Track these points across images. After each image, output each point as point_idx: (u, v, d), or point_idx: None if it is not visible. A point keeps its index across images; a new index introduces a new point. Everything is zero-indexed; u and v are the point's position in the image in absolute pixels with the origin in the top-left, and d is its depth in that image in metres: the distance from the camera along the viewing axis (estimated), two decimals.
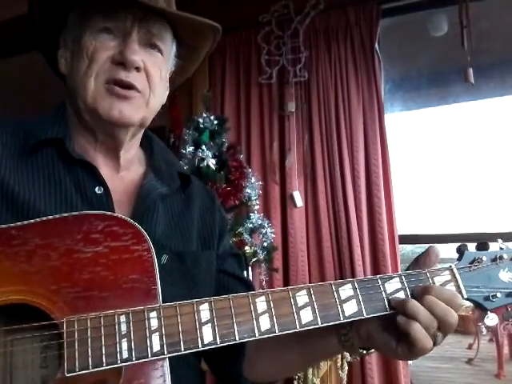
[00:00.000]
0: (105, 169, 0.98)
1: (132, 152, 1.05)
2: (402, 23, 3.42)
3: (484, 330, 6.05)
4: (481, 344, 6.22)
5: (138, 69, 0.93)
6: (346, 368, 2.72)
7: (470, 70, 2.90)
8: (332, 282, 0.83)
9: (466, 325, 6.74)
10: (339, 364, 2.71)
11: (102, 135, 0.98)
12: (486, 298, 0.88)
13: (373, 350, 0.92)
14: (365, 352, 0.92)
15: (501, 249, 0.93)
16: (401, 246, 3.25)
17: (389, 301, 0.83)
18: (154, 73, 0.97)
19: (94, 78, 0.92)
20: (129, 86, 0.93)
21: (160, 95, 1.02)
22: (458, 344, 6.81)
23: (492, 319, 0.90)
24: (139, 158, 1.09)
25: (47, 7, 0.98)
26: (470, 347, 6.60)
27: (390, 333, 0.84)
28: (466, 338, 6.78)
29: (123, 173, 1.03)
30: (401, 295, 0.84)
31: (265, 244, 2.87)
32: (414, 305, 0.81)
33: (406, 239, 3.53)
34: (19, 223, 0.75)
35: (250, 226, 2.83)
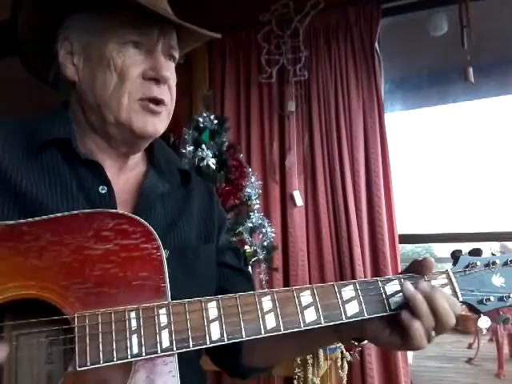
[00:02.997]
0: (111, 170, 0.99)
1: (139, 154, 1.07)
2: (402, 23, 3.43)
3: (484, 330, 6.06)
4: (481, 344, 6.23)
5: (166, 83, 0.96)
6: (346, 368, 2.72)
7: (470, 70, 2.91)
8: (334, 283, 0.86)
9: (466, 325, 6.76)
10: (339, 364, 2.71)
11: (122, 144, 0.99)
12: (480, 302, 0.92)
13: (365, 342, 0.94)
14: (356, 344, 0.94)
15: (493, 254, 0.96)
16: (401, 245, 3.26)
17: (388, 302, 0.86)
18: (172, 84, 0.99)
19: (128, 95, 0.92)
20: (161, 102, 0.96)
21: None
22: (458, 344, 6.83)
23: (484, 322, 0.93)
24: (141, 156, 1.10)
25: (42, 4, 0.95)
26: (470, 347, 6.62)
27: (384, 323, 0.87)
28: (465, 337, 6.80)
29: (128, 173, 1.03)
30: (400, 297, 0.87)
31: (265, 243, 2.86)
32: (421, 302, 0.83)
33: (406, 239, 3.54)
34: (30, 219, 0.76)
35: (250, 225, 2.83)
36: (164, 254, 0.79)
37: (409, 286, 0.85)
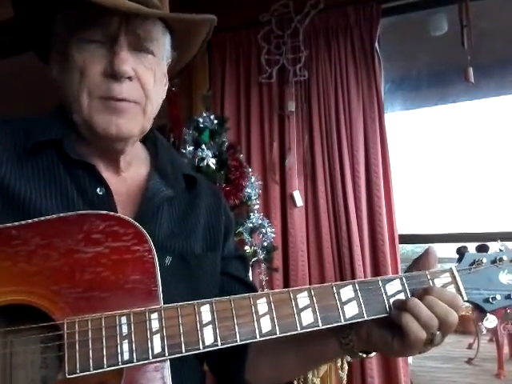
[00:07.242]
0: (105, 171, 0.97)
1: (131, 153, 1.02)
2: (402, 23, 3.42)
3: (484, 330, 6.06)
4: (481, 344, 6.23)
5: (130, 78, 0.89)
6: (346, 368, 2.72)
7: (470, 70, 2.90)
8: (333, 283, 0.83)
9: (466, 325, 6.75)
10: (339, 364, 2.70)
11: (101, 147, 0.96)
12: (486, 300, 0.89)
13: (373, 355, 0.92)
14: (364, 356, 0.91)
15: (500, 250, 0.93)
16: (401, 245, 3.25)
17: (389, 303, 0.84)
18: (147, 79, 0.93)
19: (87, 94, 0.88)
20: (123, 100, 0.90)
21: (157, 98, 0.99)
22: (458, 344, 6.82)
23: (491, 321, 0.91)
24: (142, 158, 1.06)
25: (33, 6, 0.94)
26: (470, 347, 6.61)
27: (387, 329, 0.85)
28: (466, 337, 6.79)
29: (124, 174, 1.01)
30: (401, 297, 0.85)
31: (265, 244, 2.86)
32: (415, 303, 0.81)
33: (406, 239, 3.53)
34: (18, 223, 0.74)
35: (250, 225, 2.82)
36: (156, 257, 0.77)
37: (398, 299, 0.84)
